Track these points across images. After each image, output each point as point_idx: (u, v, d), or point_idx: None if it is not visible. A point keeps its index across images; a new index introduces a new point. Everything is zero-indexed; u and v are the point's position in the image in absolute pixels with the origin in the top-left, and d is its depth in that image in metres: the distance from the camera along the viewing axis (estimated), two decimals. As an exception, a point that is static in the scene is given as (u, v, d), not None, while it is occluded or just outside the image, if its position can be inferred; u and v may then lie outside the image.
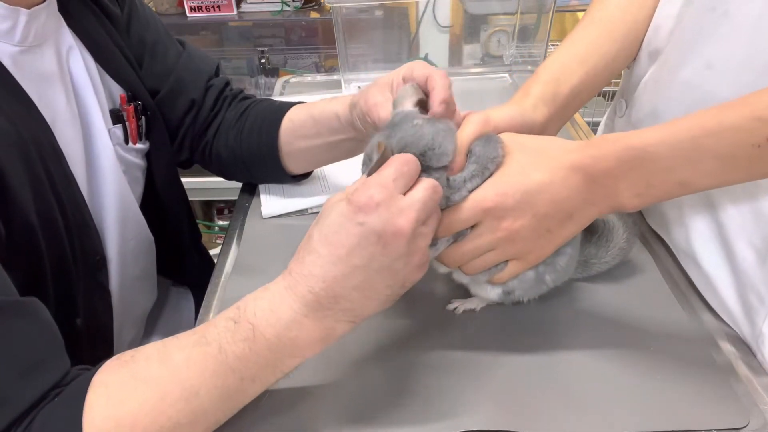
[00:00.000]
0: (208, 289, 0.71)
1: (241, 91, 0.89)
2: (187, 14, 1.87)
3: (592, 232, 0.69)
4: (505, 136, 0.57)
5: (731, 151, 0.49)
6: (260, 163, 0.84)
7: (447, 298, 0.66)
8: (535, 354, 0.60)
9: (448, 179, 0.54)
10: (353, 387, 0.57)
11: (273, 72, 1.95)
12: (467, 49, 1.47)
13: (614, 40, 0.71)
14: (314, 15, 1.91)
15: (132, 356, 0.50)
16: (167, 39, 0.84)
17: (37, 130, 0.62)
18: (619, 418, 0.53)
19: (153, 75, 0.81)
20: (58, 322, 0.52)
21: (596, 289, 0.67)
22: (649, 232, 0.75)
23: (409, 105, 0.58)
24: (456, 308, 0.65)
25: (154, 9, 1.90)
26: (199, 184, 1.82)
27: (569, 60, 0.70)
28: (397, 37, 1.43)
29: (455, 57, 1.52)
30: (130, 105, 0.77)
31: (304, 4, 1.89)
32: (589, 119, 1.57)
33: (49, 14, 0.66)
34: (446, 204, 0.54)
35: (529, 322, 0.64)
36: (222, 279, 0.73)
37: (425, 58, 1.53)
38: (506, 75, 1.28)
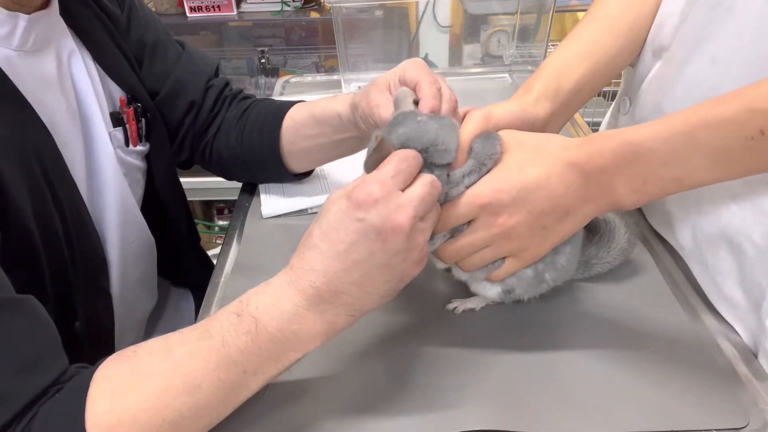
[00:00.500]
0: (208, 288, 0.71)
1: (241, 91, 0.89)
2: (187, 14, 1.87)
3: (594, 233, 0.69)
4: (503, 133, 0.57)
5: (726, 144, 0.49)
6: (262, 162, 0.84)
7: (447, 297, 0.66)
8: (535, 354, 0.60)
9: (448, 175, 0.54)
10: (353, 387, 0.57)
11: (273, 72, 1.95)
12: (467, 49, 1.47)
13: (617, 37, 0.71)
14: (314, 15, 1.91)
15: (134, 351, 0.50)
16: (167, 39, 0.84)
17: (36, 134, 0.62)
18: (619, 418, 0.53)
19: (153, 76, 0.81)
20: (58, 325, 0.52)
21: (596, 289, 0.67)
22: (649, 231, 0.75)
23: (408, 106, 0.58)
24: (456, 308, 0.65)
25: (154, 9, 1.91)
26: (199, 184, 1.82)
27: (572, 56, 0.70)
28: (397, 37, 1.43)
29: (455, 57, 1.52)
30: (129, 107, 0.77)
31: (304, 4, 1.89)
32: (590, 119, 1.57)
33: (51, 20, 0.67)
34: (445, 199, 0.55)
35: (529, 322, 0.64)
36: (222, 279, 0.73)
37: (425, 58, 1.54)
38: (506, 75, 1.28)
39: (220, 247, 0.80)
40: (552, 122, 0.68)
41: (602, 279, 0.68)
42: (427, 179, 0.50)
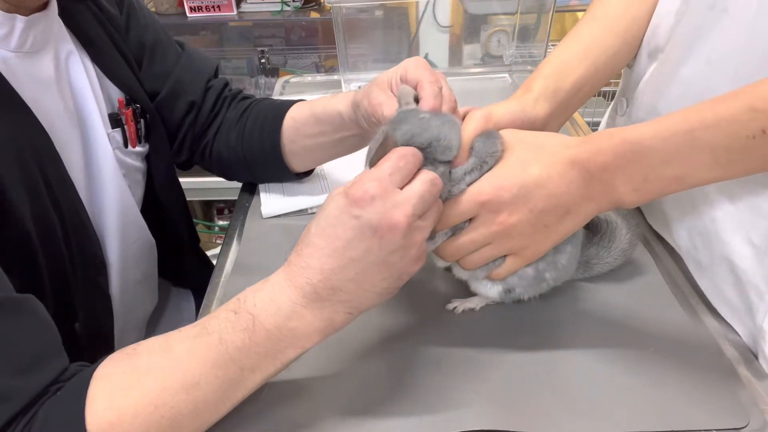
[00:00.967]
0: (208, 288, 0.71)
1: (241, 91, 0.89)
2: (187, 14, 1.87)
3: (595, 233, 0.69)
4: (505, 132, 0.58)
5: (727, 143, 0.49)
6: (263, 162, 0.84)
7: (447, 297, 0.66)
8: (535, 354, 0.60)
9: (450, 173, 0.54)
10: (352, 386, 0.57)
11: (273, 72, 1.95)
12: (467, 49, 1.47)
13: (615, 36, 0.71)
14: (314, 15, 1.91)
15: (134, 349, 0.50)
16: (166, 40, 0.84)
17: (34, 135, 0.62)
18: (619, 418, 0.53)
19: (152, 77, 0.81)
20: (57, 326, 0.52)
21: (596, 290, 0.67)
22: (649, 232, 0.75)
23: (409, 104, 0.58)
24: (455, 308, 0.65)
25: (153, 9, 1.91)
26: (199, 184, 1.82)
27: (571, 56, 0.70)
28: (397, 37, 1.43)
29: (455, 57, 1.52)
30: (128, 108, 0.77)
31: (304, 4, 1.89)
32: (589, 119, 1.57)
33: (49, 21, 0.66)
34: (447, 197, 0.55)
35: (529, 322, 0.64)
36: (222, 279, 0.73)
37: (425, 58, 1.53)
38: (506, 75, 1.28)
39: (220, 247, 0.80)
40: (551, 121, 0.68)
41: (602, 279, 0.68)
42: (427, 177, 0.50)
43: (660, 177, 0.52)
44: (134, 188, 0.79)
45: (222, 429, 0.52)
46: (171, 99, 0.82)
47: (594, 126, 1.08)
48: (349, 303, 0.50)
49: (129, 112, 0.76)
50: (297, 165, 0.84)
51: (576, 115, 1.07)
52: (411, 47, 1.48)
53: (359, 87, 1.21)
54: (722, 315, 0.63)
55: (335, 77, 1.28)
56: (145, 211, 0.82)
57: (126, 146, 0.77)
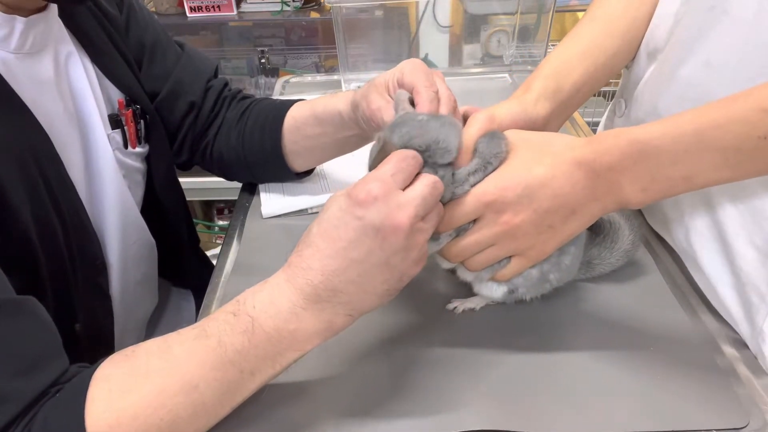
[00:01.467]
0: (208, 288, 0.71)
1: (240, 90, 0.89)
2: (187, 14, 1.87)
3: (597, 233, 0.69)
4: (509, 133, 0.57)
5: (737, 143, 0.49)
6: (264, 162, 0.84)
7: (447, 297, 0.66)
8: (535, 354, 0.60)
9: (453, 174, 0.54)
10: (353, 386, 0.57)
11: (273, 72, 1.95)
12: (467, 49, 1.47)
13: (614, 37, 0.71)
14: (314, 15, 1.91)
15: (133, 351, 0.50)
16: (166, 41, 0.84)
17: (34, 136, 0.62)
18: (619, 418, 0.53)
19: (152, 77, 0.81)
20: (58, 327, 0.52)
21: (596, 290, 0.67)
22: (649, 232, 0.75)
23: (406, 107, 0.58)
24: (456, 308, 0.65)
25: (153, 9, 1.91)
26: (199, 184, 1.82)
27: (570, 56, 0.70)
28: (397, 37, 1.43)
29: (455, 57, 1.52)
30: (128, 109, 0.77)
31: (304, 4, 1.89)
32: (590, 119, 1.57)
33: (49, 22, 0.66)
34: (450, 198, 0.55)
35: (529, 322, 0.64)
36: (222, 279, 0.73)
37: (425, 58, 1.54)
38: (506, 75, 1.28)
39: (220, 247, 0.80)
40: (552, 121, 0.68)
41: (602, 279, 0.68)
42: (429, 179, 0.50)
43: (668, 177, 0.52)
44: (134, 189, 0.79)
45: (222, 430, 0.52)
46: (171, 99, 0.82)
47: (594, 126, 1.07)
48: (349, 305, 0.50)
49: (129, 113, 0.76)
50: (298, 164, 0.84)
51: (576, 115, 1.07)
52: (411, 47, 1.48)
53: (359, 87, 1.22)
54: (722, 315, 0.63)
55: (335, 77, 1.28)
56: (145, 211, 0.82)
57: (126, 147, 0.77)
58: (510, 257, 0.58)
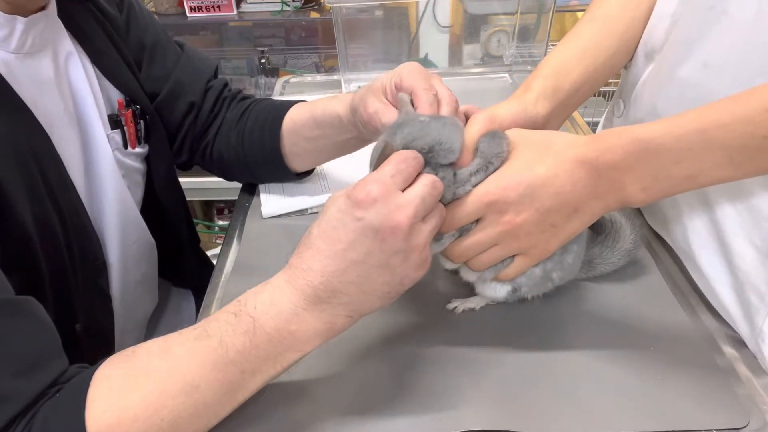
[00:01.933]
0: (208, 288, 0.71)
1: (240, 91, 0.89)
2: (187, 14, 1.87)
3: (599, 232, 0.69)
4: (511, 132, 0.57)
5: (741, 143, 0.49)
6: (263, 162, 0.84)
7: (447, 297, 0.66)
8: (535, 354, 0.60)
9: (454, 174, 0.54)
10: (353, 386, 0.57)
11: (273, 72, 1.95)
12: (467, 49, 1.47)
13: (613, 37, 0.71)
14: (314, 15, 1.91)
15: (133, 351, 0.50)
16: (166, 41, 0.84)
17: (34, 136, 0.62)
18: (619, 418, 0.53)
19: (152, 78, 0.81)
20: (58, 327, 0.52)
21: (596, 289, 0.67)
22: (650, 232, 0.75)
23: (411, 110, 0.58)
24: (456, 308, 0.65)
25: (153, 9, 1.91)
26: (199, 184, 1.82)
27: (569, 56, 0.70)
28: (397, 37, 1.43)
29: (455, 57, 1.52)
30: (128, 109, 0.77)
31: (304, 4, 1.89)
32: (590, 119, 1.57)
33: (49, 21, 0.66)
34: (453, 198, 0.55)
35: (529, 322, 0.64)
36: (222, 279, 0.73)
37: (425, 58, 1.54)
38: (506, 75, 1.28)
39: (220, 247, 0.80)
40: (551, 120, 0.68)
41: (602, 279, 0.68)
42: (428, 179, 0.50)
43: (671, 176, 0.52)
44: (133, 189, 0.79)
45: (224, 430, 0.52)
46: (171, 100, 0.82)
47: (594, 126, 1.07)
48: (349, 306, 0.50)
49: (129, 113, 0.76)
50: (297, 165, 0.85)
51: (576, 115, 1.07)
52: (411, 47, 1.48)
53: (359, 87, 1.21)
54: (722, 315, 0.63)
55: (335, 77, 1.28)
56: (145, 211, 0.82)
57: (126, 147, 0.77)
58: (513, 256, 0.58)
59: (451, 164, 0.54)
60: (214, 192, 1.88)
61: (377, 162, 0.52)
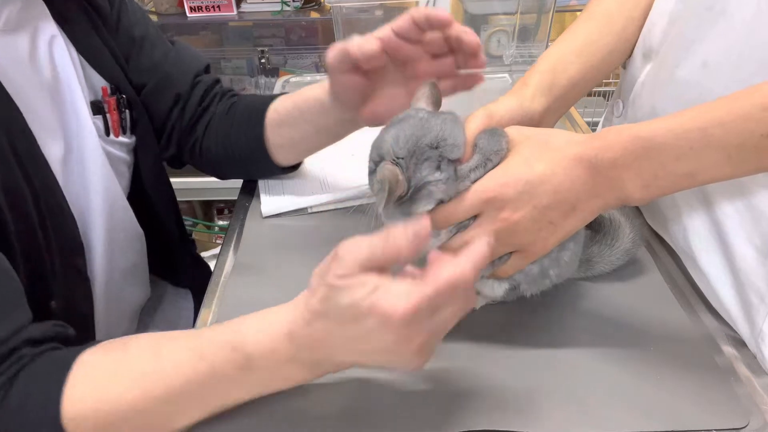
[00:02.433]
0: (208, 288, 0.71)
1: (231, 89, 0.89)
2: (187, 14, 1.87)
3: (598, 231, 0.69)
4: (510, 130, 0.57)
5: (740, 141, 0.49)
6: (249, 156, 0.84)
7: (447, 297, 0.66)
8: (535, 353, 0.60)
9: (455, 170, 0.54)
10: (352, 386, 0.57)
11: (273, 72, 1.95)
12: (467, 49, 1.47)
13: (611, 34, 0.71)
14: (314, 15, 1.91)
15: (125, 344, 0.51)
16: (155, 35, 0.84)
17: (4, 111, 0.62)
18: (620, 417, 0.53)
19: (140, 69, 0.81)
20: (32, 301, 0.54)
21: (596, 289, 0.67)
22: (649, 232, 0.75)
23: (423, 103, 0.58)
24: (456, 308, 0.65)
25: (153, 9, 1.91)
26: (199, 184, 1.82)
27: (567, 52, 0.70)
28: (397, 37, 1.42)
29: (455, 57, 1.52)
30: (112, 97, 0.77)
31: (304, 4, 1.89)
32: (589, 119, 1.57)
33: (29, 2, 0.67)
34: (452, 195, 0.55)
35: (528, 322, 0.64)
36: (222, 279, 0.73)
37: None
38: (506, 75, 1.28)
39: (220, 247, 0.80)
40: (548, 116, 0.68)
41: (602, 279, 0.68)
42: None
43: (671, 173, 0.52)
44: (119, 178, 0.79)
45: (223, 430, 0.52)
46: (157, 91, 0.82)
47: (593, 126, 1.08)
48: (353, 363, 0.51)
49: (112, 100, 0.76)
50: (283, 158, 0.84)
51: (576, 116, 1.07)
52: (411, 47, 1.48)
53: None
54: (722, 315, 0.63)
55: (335, 77, 1.28)
56: (133, 204, 0.82)
57: (108, 135, 0.77)
58: (511, 253, 0.58)
59: (456, 160, 0.54)
60: (214, 192, 1.88)
61: (384, 197, 0.52)
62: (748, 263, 0.58)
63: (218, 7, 1.86)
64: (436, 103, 0.59)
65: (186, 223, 1.07)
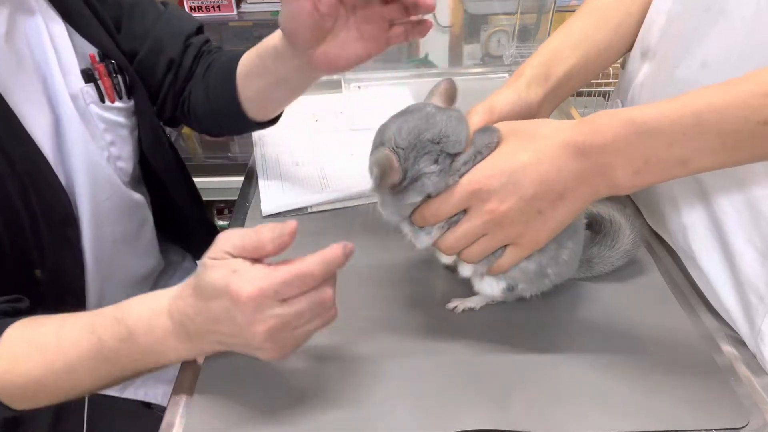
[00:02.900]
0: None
1: (219, 47, 0.89)
2: (187, 14, 1.87)
3: (597, 232, 0.69)
4: (501, 124, 0.58)
5: (736, 127, 0.48)
6: (226, 112, 0.83)
7: (447, 296, 0.66)
8: (535, 353, 0.60)
9: (451, 164, 0.55)
10: (352, 386, 0.57)
11: (273, 72, 1.95)
12: (467, 49, 1.47)
13: (607, 29, 0.72)
14: (314, 15, 1.91)
15: (41, 321, 0.58)
16: (146, 1, 0.84)
17: None
18: (619, 417, 0.53)
19: (131, 36, 0.82)
20: (15, 270, 0.59)
21: (596, 289, 0.67)
22: (649, 232, 0.75)
23: (438, 98, 0.58)
24: (455, 307, 0.65)
25: (154, 9, 1.90)
26: (199, 184, 1.79)
27: (562, 46, 0.70)
28: (397, 36, 1.42)
29: (455, 57, 1.52)
30: (100, 63, 0.77)
31: (304, 4, 1.89)
32: (589, 119, 1.57)
33: None
34: (442, 189, 0.55)
35: (529, 322, 0.64)
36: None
37: (425, 58, 1.54)
38: (506, 75, 1.28)
39: (220, 246, 0.80)
40: (544, 106, 0.68)
41: (602, 279, 0.68)
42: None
43: (663, 160, 0.51)
44: (120, 144, 0.79)
45: (224, 430, 0.52)
46: (151, 57, 0.83)
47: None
48: (220, 343, 0.54)
49: (101, 67, 0.77)
50: (255, 112, 0.83)
51: (576, 115, 1.07)
52: (411, 47, 1.48)
53: (359, 87, 1.21)
54: (722, 315, 0.63)
55: (335, 77, 1.28)
56: (143, 170, 0.85)
57: (102, 101, 0.77)
58: (505, 248, 0.58)
59: (455, 155, 0.54)
60: (214, 192, 1.88)
61: (378, 180, 0.52)
62: (748, 263, 0.58)
63: (218, 7, 1.86)
64: (451, 100, 0.59)
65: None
